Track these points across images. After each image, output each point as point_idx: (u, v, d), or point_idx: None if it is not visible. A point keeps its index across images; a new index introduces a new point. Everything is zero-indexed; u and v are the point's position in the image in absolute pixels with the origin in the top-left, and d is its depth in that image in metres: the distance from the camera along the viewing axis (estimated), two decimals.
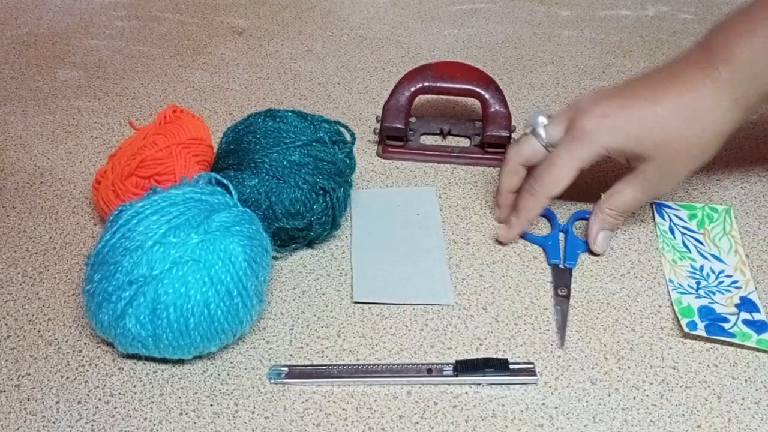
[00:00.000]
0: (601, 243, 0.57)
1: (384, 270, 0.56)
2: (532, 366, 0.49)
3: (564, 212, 0.61)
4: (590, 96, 0.55)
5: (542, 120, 0.56)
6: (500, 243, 0.59)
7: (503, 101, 0.65)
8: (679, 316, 0.52)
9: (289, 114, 0.57)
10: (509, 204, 0.59)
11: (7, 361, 0.50)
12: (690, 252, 0.58)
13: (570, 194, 0.57)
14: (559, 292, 0.54)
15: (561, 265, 0.56)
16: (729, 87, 0.51)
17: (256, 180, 0.54)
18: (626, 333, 0.52)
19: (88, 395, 0.48)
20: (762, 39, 0.50)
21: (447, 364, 0.49)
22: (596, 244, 0.56)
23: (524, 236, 0.59)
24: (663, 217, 0.61)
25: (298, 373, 0.49)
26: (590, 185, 0.60)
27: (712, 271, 0.57)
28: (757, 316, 0.52)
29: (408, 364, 0.49)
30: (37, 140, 0.70)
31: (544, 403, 0.47)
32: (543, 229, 0.61)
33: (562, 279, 0.55)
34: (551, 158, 0.55)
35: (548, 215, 0.61)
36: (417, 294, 0.54)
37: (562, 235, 0.59)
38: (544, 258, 0.57)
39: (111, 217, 0.48)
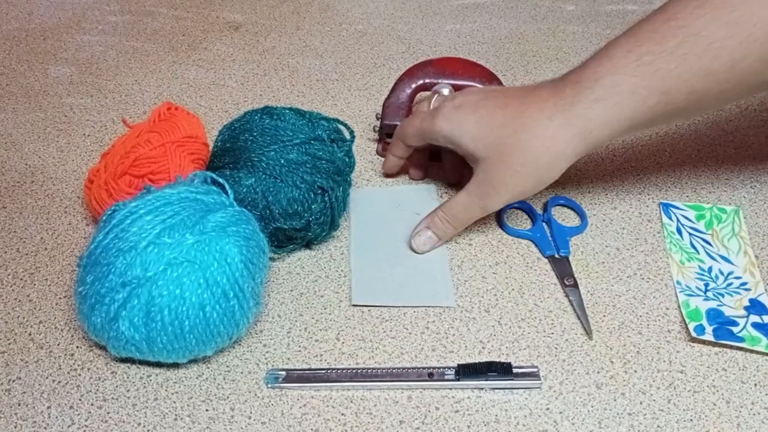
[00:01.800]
0: (420, 242, 0.57)
1: (383, 271, 0.56)
2: (536, 370, 0.49)
3: (537, 203, 0.62)
4: (476, 90, 0.59)
5: (445, 91, 0.62)
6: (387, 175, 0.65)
7: None
8: (687, 320, 0.52)
9: (287, 111, 0.57)
10: (400, 157, 0.63)
11: None
12: (698, 253, 0.58)
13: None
14: (566, 282, 0.55)
15: (557, 255, 0.57)
16: (572, 115, 0.51)
17: (253, 179, 0.54)
18: (633, 336, 0.52)
19: (80, 400, 0.48)
20: (612, 77, 0.50)
21: (449, 368, 0.49)
22: (413, 240, 0.57)
23: (510, 232, 0.60)
24: (670, 218, 0.61)
25: (296, 377, 0.49)
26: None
27: (721, 273, 0.57)
28: (766, 319, 0.52)
29: (409, 368, 0.49)
30: (27, 138, 0.70)
31: (548, 408, 0.47)
32: (525, 223, 0.61)
33: (563, 269, 0.56)
34: (410, 119, 0.60)
35: (526, 208, 0.62)
36: (417, 296, 0.54)
37: (546, 226, 0.60)
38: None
39: (104, 217, 0.48)
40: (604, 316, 0.53)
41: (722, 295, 0.54)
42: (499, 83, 0.66)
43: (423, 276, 0.56)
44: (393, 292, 0.54)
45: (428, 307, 0.54)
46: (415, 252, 0.57)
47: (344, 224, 0.60)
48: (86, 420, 0.47)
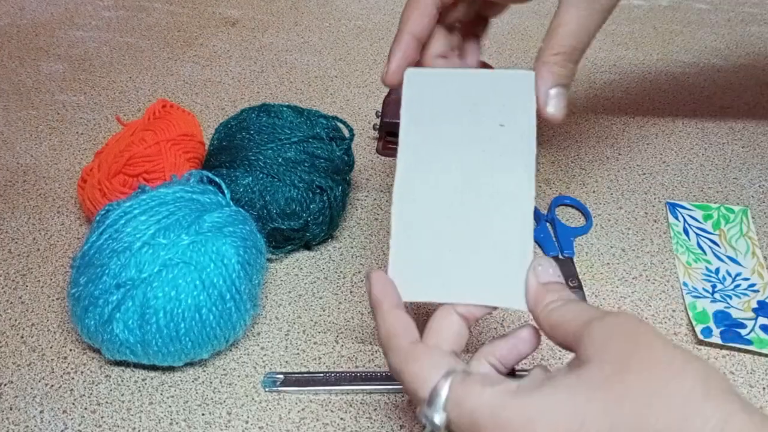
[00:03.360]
0: (557, 103, 0.42)
1: (436, 243, 0.39)
2: None
3: (541, 202, 0.62)
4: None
5: None
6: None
7: None
8: (694, 323, 0.52)
9: (285, 109, 0.57)
10: (405, 59, 0.43)
11: None
12: (705, 254, 0.58)
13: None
14: (570, 284, 0.55)
15: (560, 256, 0.57)
16: None
17: (250, 178, 0.54)
18: None
19: (73, 404, 0.48)
20: None
21: None
22: (549, 105, 0.42)
23: None
24: (677, 218, 0.61)
25: (294, 380, 0.49)
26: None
27: (729, 274, 0.57)
28: None
29: None
30: (19, 136, 0.70)
31: None
32: None
33: (567, 270, 0.56)
34: None
35: None
36: (480, 290, 0.38)
37: (549, 226, 0.60)
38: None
39: (97, 217, 0.49)
40: None
41: (730, 297, 0.54)
42: None
43: (494, 251, 0.39)
44: (448, 280, 0.39)
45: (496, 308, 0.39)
46: (555, 118, 0.41)
47: (343, 225, 0.60)
48: (80, 425, 0.47)
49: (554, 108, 0.42)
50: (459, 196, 0.40)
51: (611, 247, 0.59)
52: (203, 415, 0.47)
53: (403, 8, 0.43)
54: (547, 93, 0.42)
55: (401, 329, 0.37)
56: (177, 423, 0.47)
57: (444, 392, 0.33)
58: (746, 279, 0.56)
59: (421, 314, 0.52)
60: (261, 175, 0.54)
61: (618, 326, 0.32)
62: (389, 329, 0.37)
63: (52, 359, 0.50)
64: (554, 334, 0.35)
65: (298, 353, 0.51)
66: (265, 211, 0.54)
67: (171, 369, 0.49)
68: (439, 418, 0.33)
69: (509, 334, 0.38)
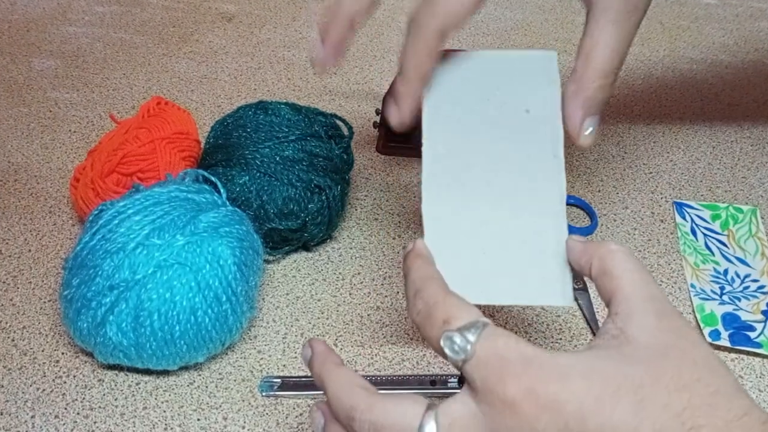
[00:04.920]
0: (592, 129, 0.41)
1: (470, 243, 0.38)
2: None
3: None
4: None
5: None
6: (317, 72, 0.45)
7: None
8: (702, 325, 0.52)
9: (282, 106, 0.57)
10: (340, 39, 0.43)
11: None
12: (713, 255, 0.58)
13: None
14: (575, 286, 0.55)
15: None
16: None
17: (247, 177, 0.54)
18: None
19: (65, 409, 0.48)
20: None
21: (452, 376, 0.49)
22: (582, 136, 0.41)
23: None
24: (684, 218, 0.61)
25: (292, 384, 0.49)
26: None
27: (737, 276, 0.57)
28: None
29: (410, 376, 0.49)
30: (10, 135, 0.70)
31: None
32: None
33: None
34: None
35: None
36: (520, 288, 0.37)
37: None
38: None
39: (90, 218, 0.48)
40: None
41: (738, 299, 0.54)
42: None
43: (526, 246, 0.38)
44: (485, 281, 0.38)
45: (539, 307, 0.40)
46: (587, 146, 0.41)
47: (342, 225, 0.60)
48: (72, 430, 0.47)
49: (589, 139, 0.41)
50: (488, 190, 0.39)
51: None
52: (198, 420, 0.47)
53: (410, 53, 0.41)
54: (582, 123, 0.40)
55: (439, 283, 0.35)
56: (172, 428, 0.47)
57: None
58: (755, 281, 0.56)
59: None
60: (258, 174, 0.54)
61: (662, 317, 0.32)
62: (424, 283, 0.35)
63: (43, 363, 0.50)
64: (599, 283, 0.35)
65: (295, 357, 0.51)
66: (262, 211, 0.54)
67: (165, 373, 0.49)
68: (468, 345, 0.31)
69: None
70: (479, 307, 0.34)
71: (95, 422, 0.47)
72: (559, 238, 0.38)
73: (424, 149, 0.40)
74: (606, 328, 0.33)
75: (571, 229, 0.59)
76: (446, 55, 0.42)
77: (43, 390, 0.49)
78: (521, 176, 0.39)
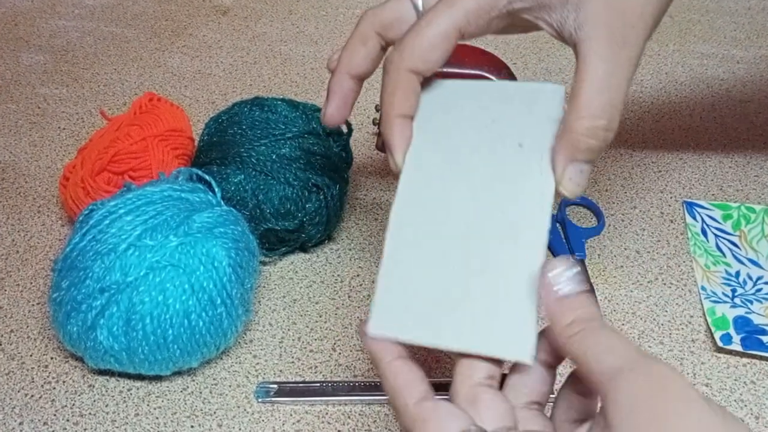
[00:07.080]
0: (575, 178, 0.37)
1: (433, 278, 0.36)
2: None
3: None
4: None
5: None
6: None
7: None
8: (713, 329, 0.52)
9: (279, 102, 0.57)
10: (345, 93, 0.46)
11: None
12: (725, 256, 0.58)
13: None
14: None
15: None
16: None
17: (242, 176, 0.54)
18: (654, 346, 0.52)
19: (55, 415, 0.48)
20: None
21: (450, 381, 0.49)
22: (565, 180, 0.37)
23: None
24: (695, 218, 0.61)
25: (289, 390, 0.49)
26: None
27: (749, 278, 0.57)
28: None
29: None
30: None
31: None
32: None
33: None
34: (421, 18, 0.40)
35: None
36: (475, 337, 0.35)
37: (559, 227, 0.60)
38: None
39: (80, 218, 0.48)
40: (623, 324, 0.53)
41: (751, 302, 0.54)
42: (509, 72, 0.66)
43: (498, 297, 0.35)
44: (442, 322, 0.35)
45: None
46: (572, 195, 0.37)
47: (341, 225, 0.60)
48: None
49: (571, 187, 0.37)
50: (464, 226, 0.37)
51: (625, 249, 0.59)
52: (192, 427, 0.47)
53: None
54: (564, 170, 0.37)
55: (404, 386, 0.34)
56: None
57: None
58: None
59: None
60: (254, 173, 0.54)
61: (648, 387, 0.29)
62: (392, 386, 0.34)
63: (32, 368, 0.50)
64: (576, 365, 0.32)
65: (292, 362, 0.51)
66: (258, 211, 0.54)
67: (158, 378, 0.49)
68: None
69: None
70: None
71: (85, 429, 0.47)
72: (531, 283, 0.34)
73: (403, 173, 0.39)
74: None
75: (578, 230, 0.59)
76: (452, 82, 0.41)
77: (32, 396, 0.49)
78: (500, 212, 0.36)
